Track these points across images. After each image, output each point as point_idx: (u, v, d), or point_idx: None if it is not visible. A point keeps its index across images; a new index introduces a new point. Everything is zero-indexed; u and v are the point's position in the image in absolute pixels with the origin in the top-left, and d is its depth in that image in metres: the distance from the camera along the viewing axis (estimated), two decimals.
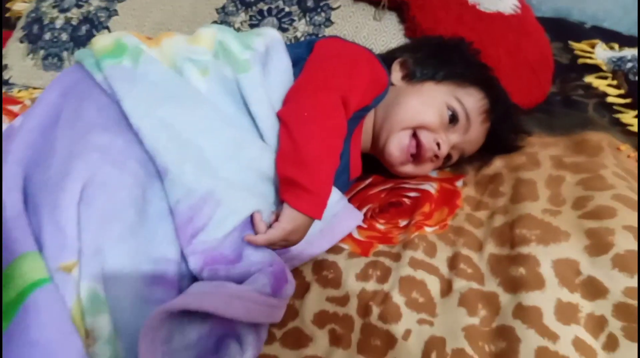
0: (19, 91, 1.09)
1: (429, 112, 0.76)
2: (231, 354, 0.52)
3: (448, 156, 0.81)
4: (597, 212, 0.66)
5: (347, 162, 0.78)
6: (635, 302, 0.53)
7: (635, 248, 0.59)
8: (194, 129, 0.61)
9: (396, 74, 0.82)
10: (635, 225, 0.63)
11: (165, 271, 0.56)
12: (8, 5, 1.38)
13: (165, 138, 0.59)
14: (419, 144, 0.77)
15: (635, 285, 0.55)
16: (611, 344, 0.51)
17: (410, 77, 0.81)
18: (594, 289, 0.57)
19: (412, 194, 0.81)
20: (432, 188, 0.81)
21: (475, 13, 0.96)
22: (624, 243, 0.60)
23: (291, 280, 0.61)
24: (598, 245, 0.61)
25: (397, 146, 0.77)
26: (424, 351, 0.54)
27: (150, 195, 0.59)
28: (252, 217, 0.61)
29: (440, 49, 0.83)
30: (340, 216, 0.71)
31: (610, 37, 1.14)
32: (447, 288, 0.63)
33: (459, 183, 0.82)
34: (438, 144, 0.76)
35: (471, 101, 0.78)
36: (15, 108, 1.01)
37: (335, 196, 0.71)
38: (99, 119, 0.59)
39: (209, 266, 0.58)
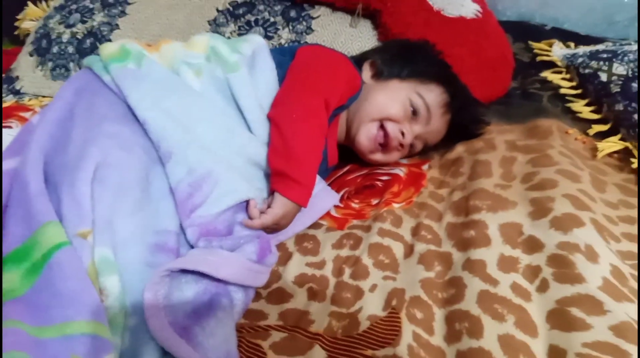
0: (30, 99, 1.19)
1: (394, 106, 0.86)
2: (223, 308, 0.61)
3: (412, 145, 0.90)
4: (542, 184, 0.76)
5: (325, 152, 0.88)
6: (565, 252, 0.63)
7: (572, 210, 0.69)
8: (194, 118, 0.71)
9: (366, 73, 0.92)
10: (574, 192, 0.73)
11: (167, 241, 0.65)
12: (17, 23, 1.48)
13: (170, 126, 0.69)
14: (386, 134, 0.87)
15: (569, 240, 0.64)
16: (543, 287, 0.60)
17: (378, 75, 0.91)
18: (533, 245, 0.66)
19: (384, 177, 0.91)
20: (401, 171, 0.91)
21: (440, 18, 1.07)
22: (561, 207, 0.70)
23: (274, 251, 0.70)
24: (539, 210, 0.71)
25: (366, 135, 0.87)
26: (386, 299, 0.63)
27: (152, 177, 0.68)
28: (247, 203, 0.72)
29: (405, 50, 0.94)
30: (319, 196, 0.81)
31: (568, 37, 1.25)
32: (409, 251, 0.72)
33: (425, 167, 0.92)
34: (402, 134, 0.86)
35: (432, 95, 0.88)
36: (26, 114, 1.11)
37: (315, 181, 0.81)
38: (109, 112, 0.69)
39: (204, 237, 0.67)
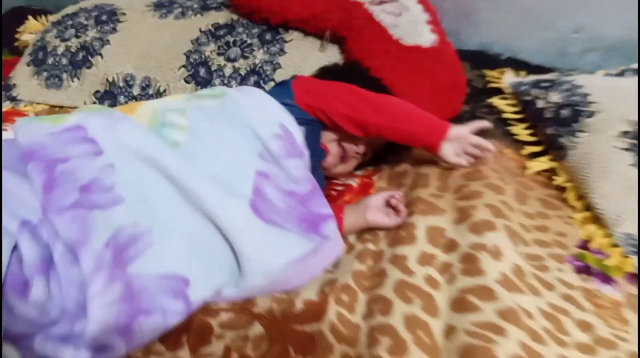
0: (25, 105, 1.29)
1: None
2: None
3: (365, 154, 1.01)
4: (468, 195, 0.87)
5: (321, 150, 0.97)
6: (474, 251, 0.73)
7: (489, 217, 0.80)
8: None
9: None
10: (495, 202, 0.84)
11: None
12: (17, 36, 1.60)
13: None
14: (343, 149, 0.98)
15: (480, 241, 0.75)
16: (451, 279, 0.71)
17: None
18: (451, 245, 0.77)
19: (339, 188, 1.02)
20: (354, 182, 1.02)
21: (398, 46, 1.18)
22: (480, 215, 0.81)
23: None
24: (462, 217, 0.82)
25: (331, 155, 0.97)
26: (321, 285, 0.73)
27: None
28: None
29: (342, 70, 1.06)
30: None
31: (521, 66, 1.37)
32: (350, 250, 0.83)
33: (374, 177, 1.03)
34: (356, 144, 0.97)
35: None
36: (11, 126, 1.22)
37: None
38: None
39: None
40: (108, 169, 0.73)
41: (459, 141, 0.92)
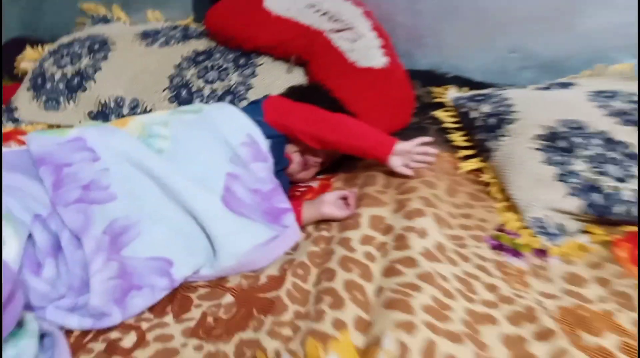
0: (26, 125, 1.45)
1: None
2: None
3: (323, 163, 1.19)
4: (406, 190, 1.04)
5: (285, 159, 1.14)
6: (405, 232, 0.90)
7: (420, 206, 0.97)
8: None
9: None
10: (427, 195, 1.01)
11: None
12: (16, 64, 1.76)
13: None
14: (305, 158, 1.16)
15: (410, 224, 0.92)
16: (385, 253, 0.88)
17: None
18: (387, 229, 0.94)
19: (302, 189, 1.19)
20: (315, 184, 1.20)
21: (354, 68, 1.37)
22: (413, 204, 0.98)
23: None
24: (399, 207, 0.99)
25: (295, 164, 1.15)
26: (282, 264, 0.90)
27: None
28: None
29: (306, 90, 1.24)
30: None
31: (465, 83, 1.56)
32: (307, 236, 0.99)
33: (333, 179, 1.20)
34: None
35: None
36: (24, 137, 1.38)
37: None
38: None
39: None
40: (104, 172, 0.89)
41: (405, 154, 1.08)
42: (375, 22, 1.50)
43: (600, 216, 0.99)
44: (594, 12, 1.48)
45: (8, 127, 1.45)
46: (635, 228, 0.98)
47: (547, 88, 1.43)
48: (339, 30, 1.42)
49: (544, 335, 0.74)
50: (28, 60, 1.74)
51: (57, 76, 1.51)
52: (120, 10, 1.88)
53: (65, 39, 1.66)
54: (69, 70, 1.51)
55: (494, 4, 1.56)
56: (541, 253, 0.95)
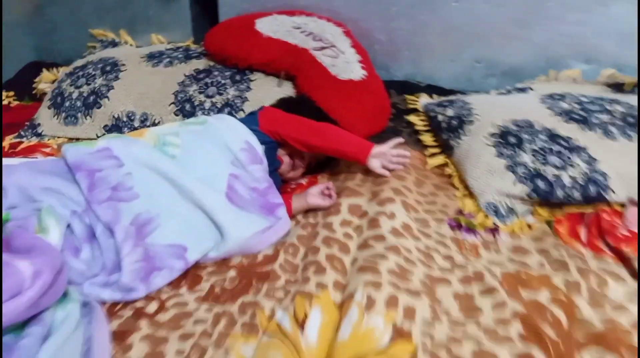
0: (48, 139, 1.64)
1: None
2: None
3: (309, 164, 1.38)
4: (380, 182, 1.23)
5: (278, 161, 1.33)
6: (377, 216, 1.09)
7: (391, 195, 1.16)
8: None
9: None
10: (397, 186, 1.20)
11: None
12: (35, 85, 1.96)
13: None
14: (294, 160, 1.35)
15: (381, 209, 1.11)
16: (359, 233, 1.06)
17: None
18: (363, 214, 1.13)
19: (293, 185, 1.38)
20: (304, 181, 1.39)
21: (335, 80, 1.56)
22: (385, 194, 1.17)
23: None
24: (373, 196, 1.18)
25: (285, 165, 1.34)
26: (275, 245, 1.09)
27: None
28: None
29: (295, 101, 1.43)
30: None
31: (436, 91, 1.75)
32: (297, 223, 1.18)
33: (319, 177, 1.39)
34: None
35: None
36: (47, 150, 1.57)
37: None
38: None
39: None
40: (128, 176, 1.08)
41: (381, 156, 1.26)
42: (355, 40, 1.70)
43: (545, 199, 1.18)
44: (548, 26, 1.69)
45: (33, 141, 1.63)
46: (574, 209, 1.17)
47: (508, 92, 1.63)
48: (322, 48, 1.61)
49: (488, 291, 0.93)
50: (45, 81, 1.93)
51: (75, 95, 1.70)
52: (127, 35, 2.08)
53: (79, 62, 1.85)
54: (85, 89, 1.69)
55: (461, 20, 1.76)
56: (493, 231, 1.14)
